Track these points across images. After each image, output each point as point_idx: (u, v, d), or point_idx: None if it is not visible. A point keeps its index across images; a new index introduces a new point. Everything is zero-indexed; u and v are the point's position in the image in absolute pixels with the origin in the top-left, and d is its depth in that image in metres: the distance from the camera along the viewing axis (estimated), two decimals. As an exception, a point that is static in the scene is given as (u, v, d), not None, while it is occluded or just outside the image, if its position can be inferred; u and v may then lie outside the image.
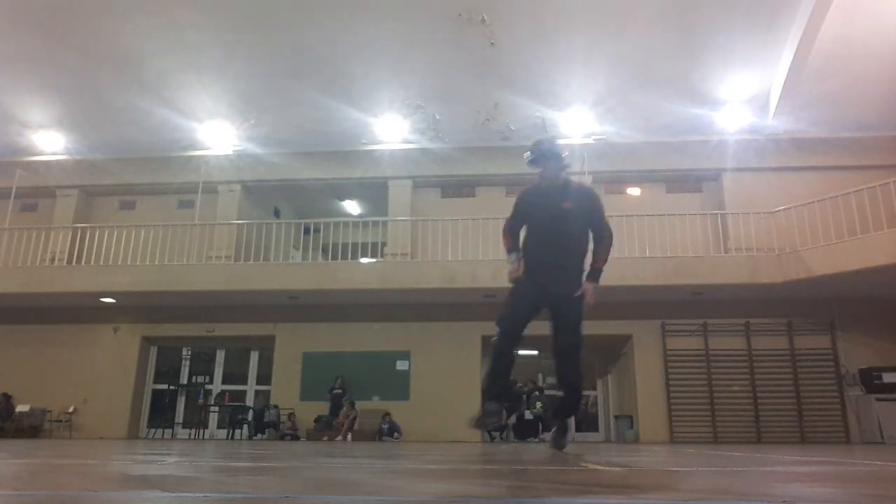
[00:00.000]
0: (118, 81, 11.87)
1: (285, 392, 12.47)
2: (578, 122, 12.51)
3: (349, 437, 11.38)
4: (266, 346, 13.14)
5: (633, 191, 13.45)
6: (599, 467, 2.61)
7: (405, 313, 12.31)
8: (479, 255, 11.37)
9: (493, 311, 13.69)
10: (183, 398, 13.52)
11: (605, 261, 4.34)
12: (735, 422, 11.44)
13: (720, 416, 11.52)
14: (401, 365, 12.27)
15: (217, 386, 13.56)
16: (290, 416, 12.05)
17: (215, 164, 13.52)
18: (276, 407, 12.31)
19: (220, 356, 13.84)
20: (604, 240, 4.32)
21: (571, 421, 4.56)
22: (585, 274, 4.32)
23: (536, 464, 2.88)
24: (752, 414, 11.47)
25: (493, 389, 4.22)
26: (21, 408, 12.41)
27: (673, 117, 12.23)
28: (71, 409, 12.45)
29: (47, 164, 13.79)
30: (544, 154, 4.26)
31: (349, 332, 12.52)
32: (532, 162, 4.29)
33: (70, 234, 13.14)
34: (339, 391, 12.10)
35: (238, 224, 13.00)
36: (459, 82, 11.82)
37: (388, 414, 11.66)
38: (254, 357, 13.76)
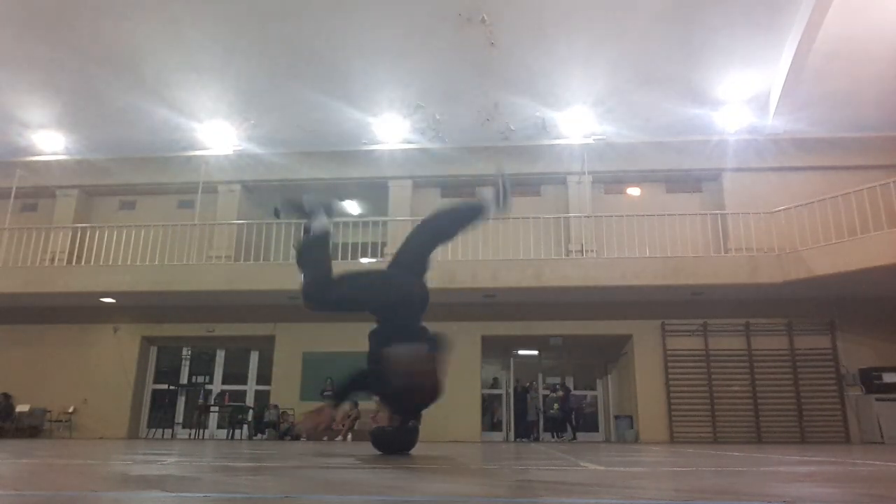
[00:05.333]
0: (118, 81, 11.87)
1: (285, 392, 12.47)
2: (578, 122, 12.52)
3: (349, 437, 11.38)
4: (266, 346, 13.14)
5: (633, 191, 13.45)
6: (598, 467, 2.61)
7: (405, 313, 12.29)
8: (479, 255, 11.38)
9: (493, 310, 13.69)
10: (183, 398, 13.51)
11: None
12: (735, 422, 11.44)
13: (720, 416, 11.52)
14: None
15: (217, 386, 13.56)
16: (293, 415, 12.05)
17: (215, 164, 13.52)
18: (276, 407, 12.31)
19: (220, 356, 13.84)
20: None
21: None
22: None
23: (536, 464, 2.88)
24: (752, 414, 11.47)
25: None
26: (21, 408, 12.41)
27: (673, 117, 12.24)
28: (71, 409, 12.45)
29: (47, 164, 13.79)
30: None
31: (349, 332, 12.48)
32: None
33: (70, 234, 13.14)
34: (330, 392, 12.11)
35: (238, 224, 13.00)
36: (459, 82, 11.82)
37: None
38: (254, 357, 13.76)
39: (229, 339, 13.44)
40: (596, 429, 13.74)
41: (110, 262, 12.07)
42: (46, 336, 12.89)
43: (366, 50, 11.17)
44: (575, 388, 14.31)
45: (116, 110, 12.55)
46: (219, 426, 13.30)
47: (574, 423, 13.01)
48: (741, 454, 4.52)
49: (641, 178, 13.35)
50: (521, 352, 14.12)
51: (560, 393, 13.32)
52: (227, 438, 12.16)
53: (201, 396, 13.09)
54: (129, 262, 11.94)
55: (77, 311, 12.74)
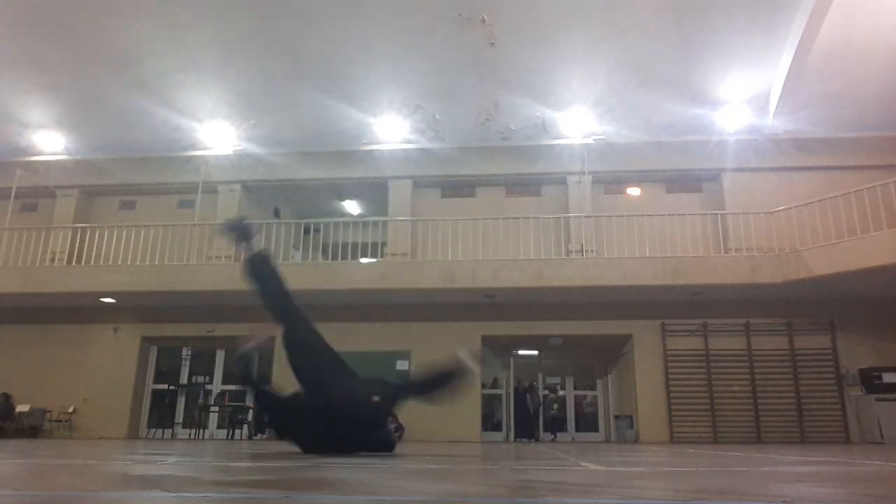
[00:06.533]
0: (118, 81, 11.87)
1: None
2: (578, 122, 12.51)
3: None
4: (266, 346, 13.12)
5: (633, 191, 13.44)
6: (598, 467, 2.61)
7: (405, 313, 12.31)
8: (478, 255, 11.38)
9: (493, 310, 13.65)
10: (183, 398, 13.51)
11: None
12: (735, 422, 11.44)
13: (720, 416, 11.52)
14: (401, 365, 12.25)
15: (217, 386, 13.55)
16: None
17: (215, 164, 13.51)
18: (276, 407, 12.29)
19: (220, 356, 13.83)
20: None
21: None
22: None
23: (536, 464, 2.88)
24: (752, 414, 11.46)
25: None
26: (21, 408, 12.40)
27: (673, 117, 12.23)
28: (71, 409, 12.44)
29: (47, 164, 13.79)
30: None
31: (349, 332, 12.50)
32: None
33: (70, 234, 13.13)
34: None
35: (238, 224, 12.98)
36: (459, 82, 11.82)
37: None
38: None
39: (229, 339, 13.41)
40: (596, 429, 13.74)
41: (110, 262, 12.06)
42: (46, 336, 12.88)
43: (366, 50, 11.16)
44: (575, 388, 14.31)
45: (116, 110, 12.55)
46: (219, 426, 13.28)
47: (543, 422, 12.89)
48: (741, 454, 4.52)
49: (641, 178, 13.35)
50: (521, 352, 14.12)
51: (559, 393, 13.30)
52: (227, 438, 12.16)
53: (201, 396, 13.08)
54: (129, 262, 11.93)
55: (77, 311, 12.73)
